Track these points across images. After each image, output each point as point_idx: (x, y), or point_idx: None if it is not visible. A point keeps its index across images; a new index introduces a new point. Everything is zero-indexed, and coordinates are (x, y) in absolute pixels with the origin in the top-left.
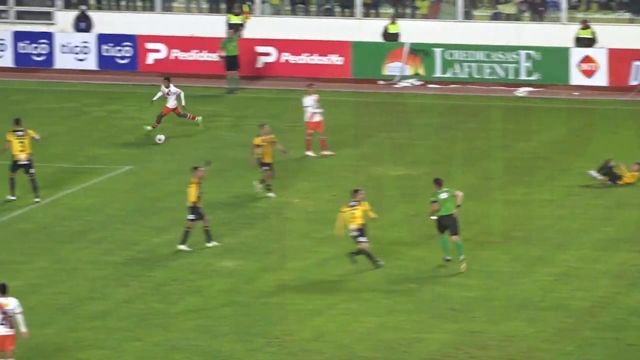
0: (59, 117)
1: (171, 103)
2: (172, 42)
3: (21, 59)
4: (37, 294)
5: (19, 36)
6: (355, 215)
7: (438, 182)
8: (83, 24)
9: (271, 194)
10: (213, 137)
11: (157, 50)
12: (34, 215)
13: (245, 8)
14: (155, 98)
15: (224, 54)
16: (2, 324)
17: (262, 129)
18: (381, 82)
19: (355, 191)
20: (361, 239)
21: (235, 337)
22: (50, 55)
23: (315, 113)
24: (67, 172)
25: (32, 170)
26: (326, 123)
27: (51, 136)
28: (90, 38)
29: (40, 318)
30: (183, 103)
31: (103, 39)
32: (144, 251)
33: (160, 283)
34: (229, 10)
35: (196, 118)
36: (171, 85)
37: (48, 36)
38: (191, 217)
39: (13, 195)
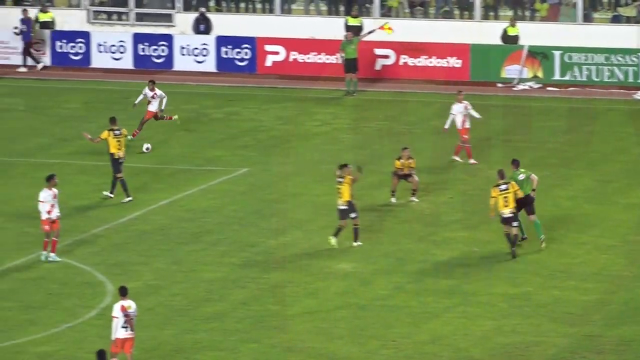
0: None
1: (154, 107)
2: (290, 44)
3: (141, 60)
4: (155, 295)
5: (139, 38)
6: (509, 199)
7: (515, 163)
8: (202, 26)
9: (414, 199)
10: (331, 139)
11: (276, 53)
12: (152, 217)
13: (387, 25)
14: (137, 101)
15: (343, 55)
16: (124, 327)
17: (403, 152)
18: (500, 85)
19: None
20: (514, 223)
21: (350, 340)
22: (169, 57)
23: (465, 120)
24: (185, 174)
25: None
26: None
27: (170, 138)
28: (210, 40)
29: (157, 319)
30: (163, 106)
31: (222, 41)
32: (260, 253)
33: (276, 285)
34: (348, 13)
35: (173, 117)
36: (156, 88)
37: (168, 38)
38: (353, 215)
39: (129, 196)
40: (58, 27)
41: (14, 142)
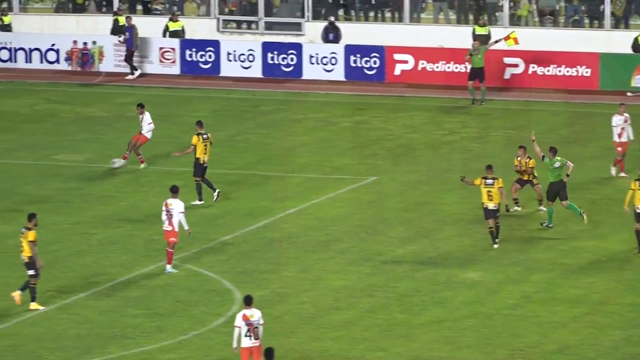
0: (306, 128)
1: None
2: (419, 53)
3: (270, 69)
4: (283, 304)
5: (268, 47)
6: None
7: (553, 151)
8: (331, 34)
9: (542, 208)
10: (459, 148)
11: (404, 62)
12: (281, 225)
13: (513, 34)
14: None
15: (470, 64)
16: (248, 336)
17: (519, 150)
18: (629, 94)
19: None
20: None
21: (477, 349)
22: (298, 66)
23: (622, 133)
24: (314, 182)
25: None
26: (575, 135)
27: (298, 147)
28: (339, 49)
29: (285, 327)
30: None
31: (351, 50)
32: (388, 262)
33: (404, 294)
34: (476, 22)
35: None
36: (146, 113)
37: (297, 47)
38: (496, 215)
39: (201, 200)
40: (188, 36)
41: (144, 150)
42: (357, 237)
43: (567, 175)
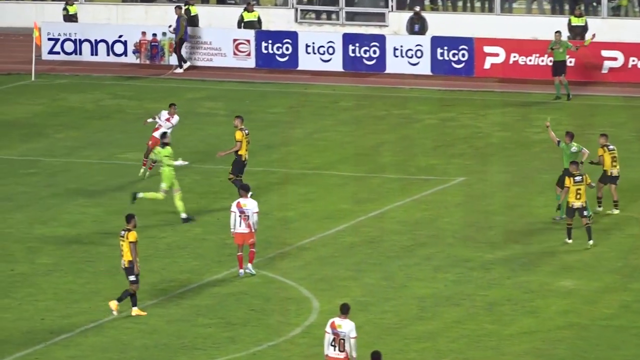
0: (389, 125)
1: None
2: (511, 45)
3: (351, 62)
4: (364, 313)
5: (349, 39)
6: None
7: (570, 135)
8: (417, 25)
9: (616, 211)
10: (553, 147)
11: (495, 54)
12: (362, 229)
13: (588, 42)
14: (149, 120)
15: (551, 57)
16: (333, 345)
17: (600, 138)
18: None
19: None
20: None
21: None
22: (381, 59)
23: None
24: (397, 183)
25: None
26: None
27: (381, 145)
28: (424, 41)
29: (367, 338)
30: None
31: (438, 42)
32: (476, 268)
33: (493, 302)
34: (572, 12)
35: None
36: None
37: (380, 39)
38: (585, 213)
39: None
40: (264, 27)
41: (216, 149)
42: (444, 242)
43: (581, 163)
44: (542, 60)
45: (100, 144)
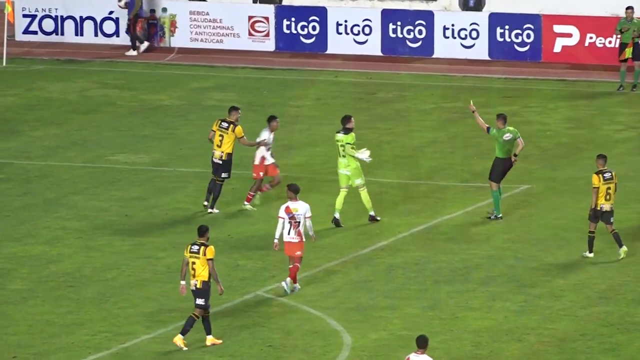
0: (438, 121)
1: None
2: (587, 23)
3: (391, 45)
4: (406, 350)
5: (389, 16)
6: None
7: (502, 119)
8: (472, 0)
9: None
10: (637, 149)
11: (567, 35)
12: (403, 247)
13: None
14: (259, 140)
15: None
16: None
17: None
18: None
19: None
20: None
21: None
22: (428, 41)
23: None
24: (447, 192)
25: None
26: None
27: (428, 145)
28: (481, 18)
29: None
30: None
31: (497, 19)
32: (543, 296)
33: (564, 338)
34: None
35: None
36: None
37: (427, 16)
38: (612, 219)
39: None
40: (286, 2)
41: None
42: (504, 264)
43: (515, 155)
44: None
45: (85, 143)
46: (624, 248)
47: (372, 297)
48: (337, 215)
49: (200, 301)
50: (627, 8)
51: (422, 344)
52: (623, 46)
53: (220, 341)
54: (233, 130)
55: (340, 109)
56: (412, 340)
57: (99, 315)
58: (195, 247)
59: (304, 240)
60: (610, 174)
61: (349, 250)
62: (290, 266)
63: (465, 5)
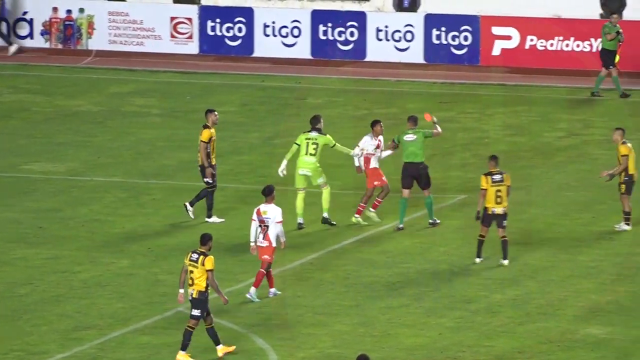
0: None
1: (375, 162)
2: (527, 25)
3: (321, 48)
4: None
5: (319, 17)
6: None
7: (412, 120)
8: (406, 1)
9: (625, 226)
10: (580, 157)
11: (507, 37)
12: (334, 262)
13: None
14: (356, 158)
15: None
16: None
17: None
18: None
19: None
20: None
21: None
22: (360, 43)
23: None
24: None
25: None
26: None
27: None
28: (416, 20)
29: None
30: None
31: (434, 21)
32: (480, 312)
33: (501, 355)
34: None
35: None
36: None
37: (359, 17)
38: (504, 223)
39: None
40: (210, 2)
41: (147, 158)
42: (439, 278)
43: (426, 135)
44: (567, 45)
45: None
46: (506, 262)
47: (301, 314)
48: (300, 220)
49: (195, 312)
50: (612, 14)
51: None
52: (605, 53)
53: (234, 347)
54: (200, 133)
55: (267, 115)
56: (342, 359)
57: (11, 333)
58: (195, 256)
59: (273, 245)
60: (500, 176)
61: (276, 264)
62: (261, 269)
63: (399, 6)
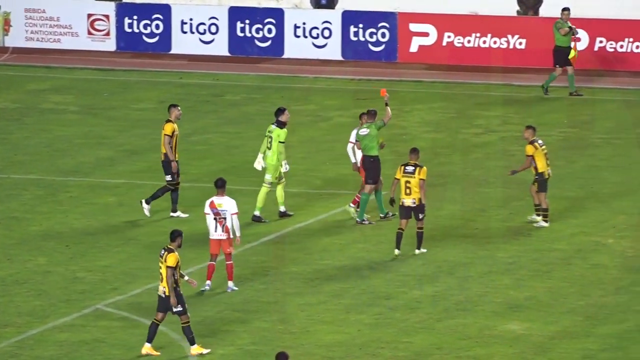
0: (289, 125)
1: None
2: (444, 22)
3: (239, 45)
4: None
5: (236, 14)
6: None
7: (371, 114)
8: None
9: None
10: (497, 153)
11: (424, 34)
12: (252, 258)
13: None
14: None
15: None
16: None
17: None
18: None
19: None
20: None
21: None
22: (278, 40)
23: None
24: (298, 199)
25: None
26: None
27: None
28: (334, 17)
29: None
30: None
31: (351, 17)
32: (399, 308)
33: (419, 351)
34: None
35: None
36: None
37: (276, 14)
38: (420, 215)
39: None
40: None
41: (65, 155)
42: (358, 275)
43: (379, 126)
44: (484, 42)
45: None
46: (418, 252)
47: (219, 310)
48: (282, 208)
49: (176, 309)
50: (564, 9)
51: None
52: (558, 50)
53: (208, 350)
54: (163, 127)
55: (185, 112)
56: (261, 355)
57: None
58: (162, 252)
59: (232, 236)
60: (413, 168)
61: (194, 260)
62: (210, 262)
63: (317, 3)
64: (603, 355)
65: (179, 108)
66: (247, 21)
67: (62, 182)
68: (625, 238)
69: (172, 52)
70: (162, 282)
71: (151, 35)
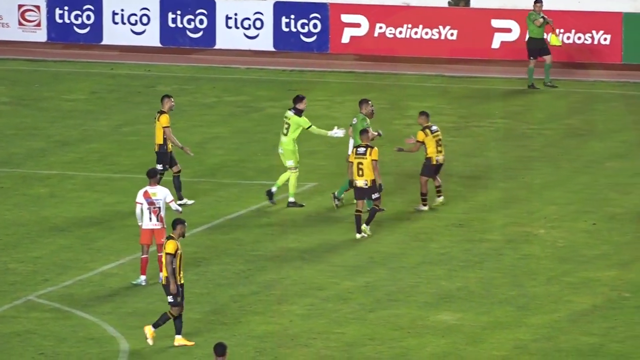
0: (220, 116)
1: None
2: (376, 13)
3: (170, 35)
4: (187, 356)
5: (167, 4)
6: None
7: (361, 103)
8: None
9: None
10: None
11: (356, 25)
12: (185, 249)
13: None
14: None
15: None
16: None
17: (421, 117)
18: None
19: None
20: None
21: None
22: (210, 31)
23: None
24: (230, 190)
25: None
26: (589, 125)
27: (210, 141)
28: (265, 7)
29: None
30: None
31: (283, 8)
32: (331, 298)
33: (352, 342)
34: None
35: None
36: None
37: (208, 4)
38: (375, 195)
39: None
40: None
41: None
42: (290, 266)
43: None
44: (416, 33)
45: None
46: (363, 235)
47: (151, 302)
48: (291, 199)
49: (170, 299)
50: (536, 1)
51: (220, 351)
52: (532, 42)
53: (192, 343)
54: (158, 119)
55: (116, 103)
56: (193, 347)
57: None
58: (164, 240)
59: (165, 226)
60: (364, 149)
61: (126, 252)
62: (143, 256)
63: None
64: (534, 345)
65: (172, 99)
66: (179, 12)
67: None
68: (556, 228)
69: (103, 43)
70: (161, 270)
71: (82, 26)
